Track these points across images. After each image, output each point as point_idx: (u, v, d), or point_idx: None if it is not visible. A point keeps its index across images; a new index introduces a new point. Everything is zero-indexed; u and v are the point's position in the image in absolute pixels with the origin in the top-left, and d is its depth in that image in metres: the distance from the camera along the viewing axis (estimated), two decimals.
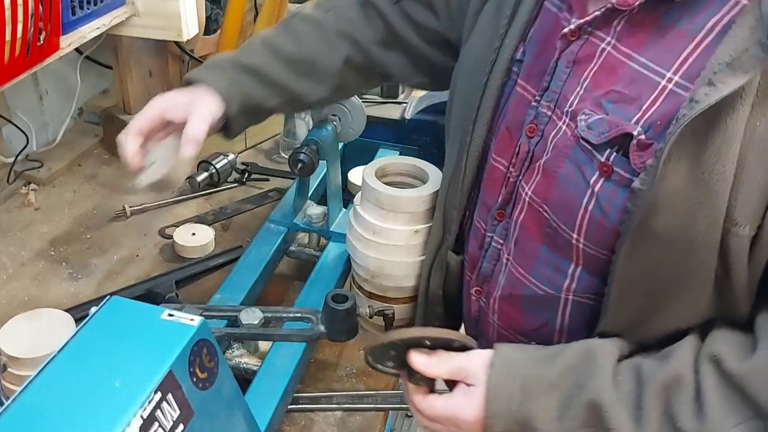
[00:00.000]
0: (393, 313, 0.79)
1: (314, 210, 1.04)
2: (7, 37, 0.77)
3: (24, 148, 1.21)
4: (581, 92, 0.60)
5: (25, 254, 1.05)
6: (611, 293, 0.58)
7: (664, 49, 0.55)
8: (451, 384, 0.64)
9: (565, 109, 0.61)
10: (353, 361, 0.91)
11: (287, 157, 0.99)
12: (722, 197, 0.51)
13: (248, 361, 0.83)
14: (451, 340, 0.63)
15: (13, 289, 0.99)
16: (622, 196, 0.56)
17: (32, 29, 0.82)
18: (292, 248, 1.06)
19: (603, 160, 0.57)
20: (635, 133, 0.54)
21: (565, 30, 0.61)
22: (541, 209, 0.64)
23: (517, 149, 0.67)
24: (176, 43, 1.15)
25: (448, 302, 0.82)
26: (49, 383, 0.48)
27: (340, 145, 1.17)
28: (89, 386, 0.47)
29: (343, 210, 1.06)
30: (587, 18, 0.59)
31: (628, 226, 0.55)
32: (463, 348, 0.63)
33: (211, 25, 1.26)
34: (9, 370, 0.74)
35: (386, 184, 0.85)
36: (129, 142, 0.76)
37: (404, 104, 1.41)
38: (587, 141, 0.58)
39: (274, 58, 0.84)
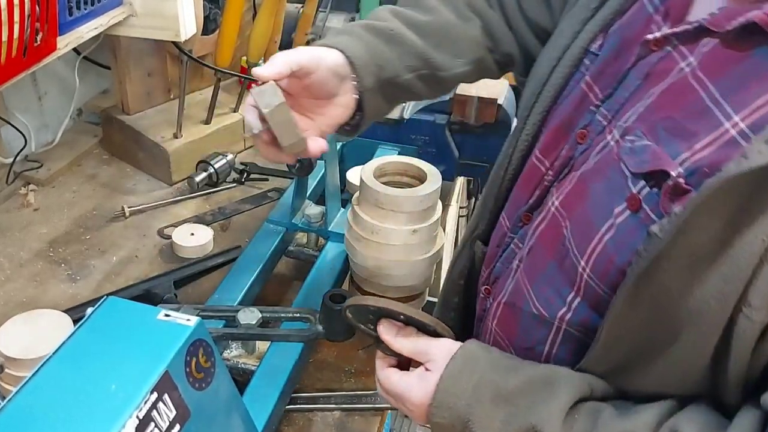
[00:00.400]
0: None
1: (312, 210, 1.04)
2: (4, 37, 0.77)
3: (23, 149, 1.21)
4: (641, 110, 0.55)
5: (23, 255, 1.05)
6: (602, 334, 0.55)
7: (742, 87, 0.49)
8: (415, 364, 0.64)
9: (620, 124, 0.57)
10: (352, 361, 0.91)
11: None
12: (744, 272, 0.46)
13: (246, 361, 0.83)
14: (426, 324, 0.63)
15: (12, 289, 0.99)
16: (640, 236, 0.51)
17: (29, 30, 0.82)
18: (290, 248, 1.06)
19: (635, 191, 0.53)
20: (674, 173, 0.49)
21: (650, 36, 0.55)
22: (562, 223, 0.60)
23: (560, 152, 0.63)
24: (174, 43, 1.15)
25: (467, 295, 0.79)
26: (44, 384, 0.48)
27: (339, 145, 1.17)
28: (85, 387, 0.47)
29: (342, 210, 1.06)
30: (676, 29, 0.54)
31: (634, 270, 0.51)
32: (436, 334, 0.64)
33: (209, 25, 1.26)
34: (7, 371, 0.74)
35: (384, 183, 0.85)
36: (283, 64, 0.68)
37: (403, 104, 1.41)
38: (626, 165, 0.54)
39: (408, 25, 0.76)
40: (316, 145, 0.68)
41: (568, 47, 0.65)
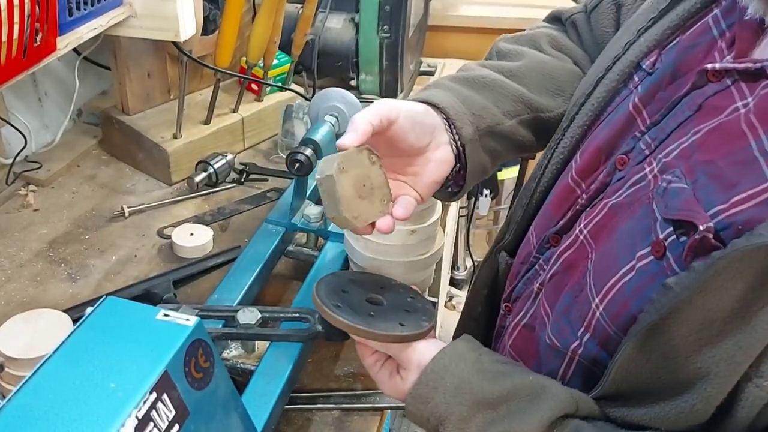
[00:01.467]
0: None
1: (312, 210, 1.04)
2: (4, 38, 0.77)
3: (23, 149, 1.22)
4: (685, 146, 0.51)
5: (23, 255, 1.06)
6: (610, 375, 0.52)
7: None
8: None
9: (660, 157, 0.53)
10: (351, 360, 0.91)
11: (285, 157, 0.99)
12: (761, 343, 0.44)
13: (245, 361, 0.83)
14: (407, 292, 0.62)
15: (12, 290, 0.99)
16: (659, 285, 0.48)
17: (29, 30, 0.82)
18: (290, 248, 1.06)
19: (661, 237, 0.49)
20: (702, 227, 0.46)
21: (709, 66, 0.51)
22: (588, 254, 0.57)
23: (598, 176, 0.59)
24: (174, 43, 1.15)
25: (490, 306, 0.76)
26: (43, 384, 0.48)
27: None
28: (84, 387, 0.47)
29: None
30: (738, 65, 0.49)
31: (645, 320, 0.48)
32: (415, 301, 0.63)
33: (209, 26, 1.26)
34: (7, 370, 0.74)
35: None
36: (365, 124, 0.59)
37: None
38: (657, 207, 0.50)
39: (499, 71, 0.71)
40: (365, 230, 0.62)
41: (618, 58, 0.60)
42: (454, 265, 2.37)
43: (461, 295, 2.31)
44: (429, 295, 1.00)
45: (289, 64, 1.42)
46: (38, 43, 0.85)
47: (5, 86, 0.84)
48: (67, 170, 1.28)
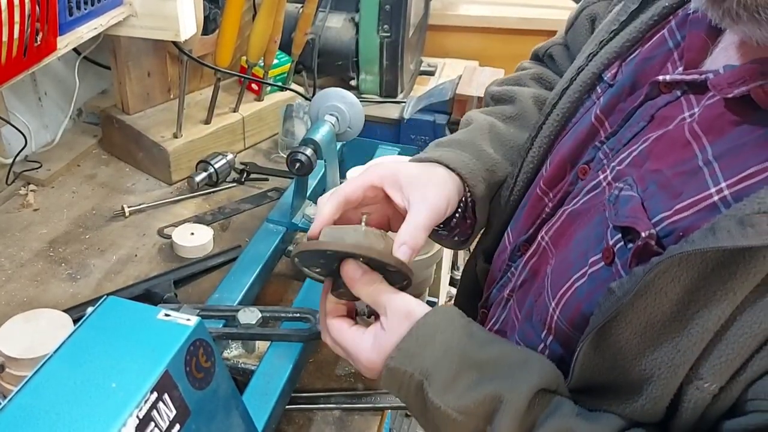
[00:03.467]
0: None
1: (313, 209, 1.04)
2: (4, 38, 0.77)
3: (23, 149, 1.21)
4: (635, 155, 0.53)
5: (24, 255, 1.06)
6: (573, 376, 0.53)
7: (735, 153, 0.46)
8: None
9: (614, 165, 0.54)
10: None
11: (286, 156, 0.99)
12: (698, 346, 0.45)
13: (246, 361, 0.83)
14: (386, 264, 0.58)
15: (12, 289, 0.99)
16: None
17: (29, 30, 0.82)
18: (290, 248, 1.06)
19: (611, 243, 0.51)
20: (644, 234, 0.47)
21: (660, 78, 0.52)
22: (549, 259, 0.58)
23: (563, 185, 0.61)
24: (174, 43, 1.15)
25: (473, 312, 0.76)
26: (44, 384, 0.48)
27: (339, 145, 1.17)
28: (85, 386, 0.47)
29: None
30: (686, 77, 0.50)
31: (594, 322, 0.50)
32: (400, 275, 0.59)
33: (209, 25, 1.26)
34: (7, 370, 0.74)
35: None
36: (330, 202, 0.60)
37: (403, 104, 1.41)
38: (608, 215, 0.52)
39: (501, 118, 0.75)
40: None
41: (581, 69, 0.62)
42: (454, 265, 2.37)
43: None
44: (429, 295, 1.00)
45: (289, 64, 1.41)
46: (38, 42, 0.85)
47: (5, 86, 0.84)
48: (67, 170, 1.28)
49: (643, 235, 0.47)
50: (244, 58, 1.31)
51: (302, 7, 1.35)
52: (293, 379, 0.80)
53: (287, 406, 0.81)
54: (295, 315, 0.77)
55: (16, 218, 1.14)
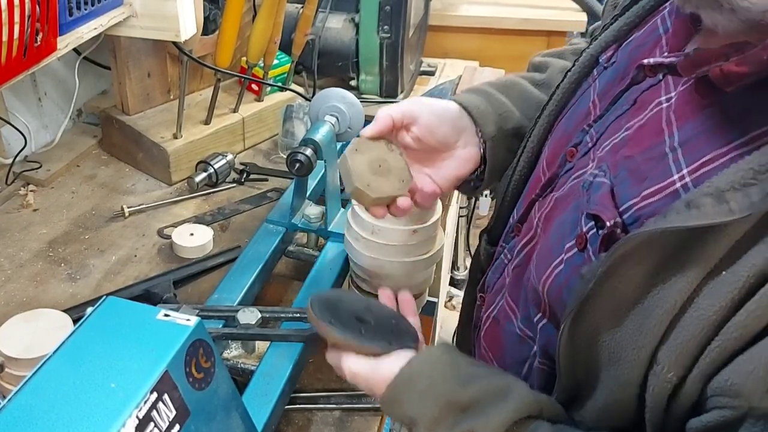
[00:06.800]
0: None
1: (312, 210, 1.04)
2: (4, 38, 0.77)
3: (23, 149, 1.21)
4: (616, 141, 0.53)
5: (23, 255, 1.06)
6: (559, 361, 0.54)
7: (697, 138, 0.46)
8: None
9: (597, 152, 0.55)
10: None
11: (286, 157, 0.99)
12: (657, 329, 0.46)
13: (246, 361, 0.83)
14: (391, 314, 0.66)
15: (12, 290, 0.99)
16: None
17: (29, 30, 0.82)
18: (290, 248, 1.06)
19: (584, 230, 0.52)
20: (609, 224, 0.49)
21: (644, 61, 0.53)
22: (540, 238, 0.60)
23: (556, 168, 0.62)
24: (174, 43, 1.15)
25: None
26: (44, 384, 0.48)
27: (339, 145, 1.17)
28: (85, 387, 0.47)
29: (342, 210, 1.06)
30: (664, 60, 0.51)
31: (569, 306, 0.51)
32: (399, 323, 0.66)
33: (209, 26, 1.26)
34: (7, 370, 0.74)
35: None
36: (381, 117, 0.66)
37: None
38: (581, 202, 0.53)
39: (529, 81, 0.76)
40: (378, 210, 0.66)
41: (583, 51, 0.63)
42: (454, 265, 2.37)
43: (461, 295, 2.30)
44: (429, 295, 1.00)
45: (289, 64, 1.41)
46: (38, 43, 0.85)
47: (5, 86, 0.84)
48: (67, 170, 1.27)
49: (608, 224, 0.48)
50: (244, 58, 1.31)
51: (302, 7, 1.35)
52: (293, 379, 0.80)
53: (287, 407, 0.81)
54: (294, 315, 0.77)
55: (15, 218, 1.14)
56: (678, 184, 0.46)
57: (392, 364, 0.60)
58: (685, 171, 0.46)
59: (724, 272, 0.43)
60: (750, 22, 0.41)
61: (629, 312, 0.47)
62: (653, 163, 0.49)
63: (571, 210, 0.55)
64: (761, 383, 0.41)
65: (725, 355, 0.43)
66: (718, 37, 0.46)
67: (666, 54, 0.53)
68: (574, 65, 0.64)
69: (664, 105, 0.51)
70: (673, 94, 0.51)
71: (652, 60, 0.52)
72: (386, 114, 0.66)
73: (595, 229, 0.51)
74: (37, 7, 0.81)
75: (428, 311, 1.56)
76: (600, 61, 0.62)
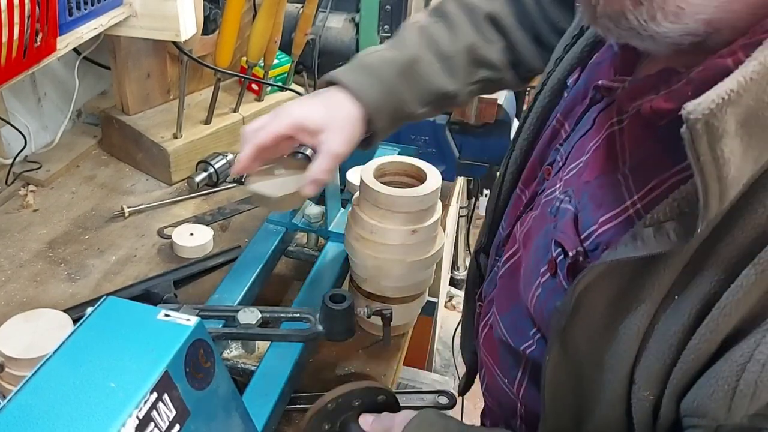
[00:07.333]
0: (391, 313, 0.79)
1: (312, 210, 1.04)
2: (4, 38, 0.77)
3: (22, 150, 1.21)
4: (580, 165, 0.54)
5: (23, 255, 1.05)
6: (545, 390, 0.55)
7: (644, 164, 0.48)
8: None
9: (564, 174, 0.56)
10: (351, 361, 0.91)
11: (286, 156, 0.98)
12: (629, 353, 0.47)
13: (246, 362, 0.83)
14: (376, 394, 0.71)
15: (12, 290, 0.99)
16: (558, 299, 0.52)
17: (29, 31, 0.82)
18: (290, 248, 1.06)
19: (554, 255, 0.53)
20: (571, 253, 0.50)
21: (599, 83, 0.53)
22: (522, 256, 0.61)
23: (534, 185, 0.63)
24: (174, 43, 1.15)
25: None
26: (44, 384, 0.47)
27: None
28: (85, 387, 0.47)
29: (342, 210, 1.06)
30: (613, 84, 0.51)
31: (553, 335, 0.52)
32: (387, 401, 0.70)
33: (209, 25, 1.26)
34: (7, 370, 0.74)
35: (384, 183, 0.85)
36: (247, 151, 0.68)
37: None
38: (550, 228, 0.54)
39: (435, 55, 0.73)
40: (293, 202, 0.73)
41: (550, 74, 0.63)
42: (454, 265, 2.37)
43: (461, 295, 2.30)
44: (429, 295, 1.00)
45: (289, 64, 1.41)
46: (38, 43, 0.85)
47: (5, 86, 0.84)
48: (67, 170, 1.27)
49: (570, 254, 0.50)
50: (244, 58, 1.31)
51: (302, 7, 1.35)
52: (293, 379, 0.80)
53: (287, 407, 0.81)
54: (295, 315, 0.76)
55: (15, 219, 1.14)
56: (631, 210, 0.48)
57: None
58: (636, 197, 0.47)
59: (676, 296, 0.44)
60: (674, 46, 0.42)
61: (602, 337, 0.49)
62: (608, 190, 0.50)
63: (543, 234, 0.56)
64: (722, 404, 0.42)
65: (688, 377, 0.45)
66: (659, 60, 0.47)
67: (614, 77, 0.53)
68: (543, 88, 0.64)
69: (616, 128, 0.51)
70: (624, 116, 0.51)
71: (604, 82, 0.53)
72: (245, 156, 0.69)
73: (562, 256, 0.52)
74: (37, 7, 0.81)
75: (428, 311, 1.57)
76: (568, 84, 0.62)
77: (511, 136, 0.79)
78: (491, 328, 0.67)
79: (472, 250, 0.80)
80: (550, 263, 0.53)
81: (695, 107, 0.36)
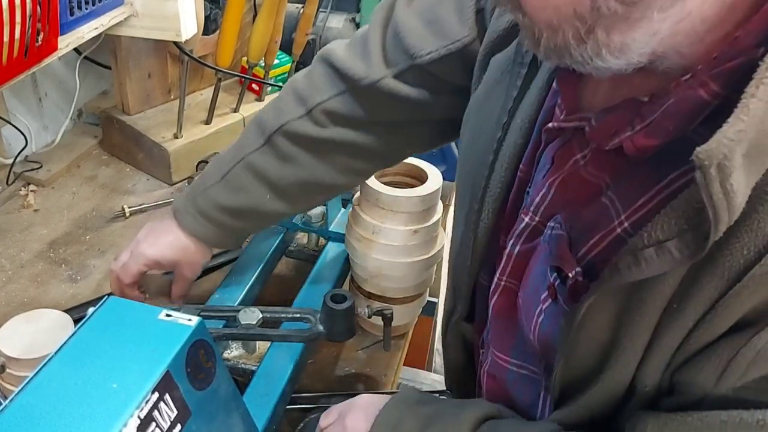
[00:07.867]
0: (391, 313, 0.79)
1: (313, 210, 1.04)
2: (5, 38, 0.77)
3: (23, 150, 1.21)
4: (555, 197, 0.55)
5: (24, 256, 1.06)
6: (556, 391, 0.57)
7: (627, 185, 0.49)
8: None
9: (536, 209, 0.57)
10: (352, 361, 0.91)
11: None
12: (631, 365, 0.50)
13: (247, 362, 0.83)
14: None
15: (13, 290, 0.99)
16: (559, 324, 0.54)
17: (30, 30, 0.82)
18: (291, 248, 1.06)
19: (551, 281, 0.54)
20: (570, 275, 0.51)
21: (550, 125, 0.54)
22: (512, 295, 0.62)
23: (514, 229, 0.62)
24: (175, 43, 1.15)
25: (470, 364, 0.79)
26: (46, 384, 0.48)
27: None
28: (86, 387, 0.47)
29: (342, 210, 1.06)
30: (564, 124, 0.53)
31: (559, 358, 0.54)
32: None
33: (210, 25, 1.26)
34: (8, 370, 0.74)
35: (385, 184, 0.85)
36: (119, 294, 0.83)
37: None
38: (545, 254, 0.56)
39: (269, 191, 0.79)
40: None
41: (502, 140, 0.61)
42: None
43: None
44: (429, 295, 1.00)
45: (289, 64, 1.41)
46: (39, 43, 0.85)
47: (6, 86, 0.84)
48: (68, 170, 1.27)
49: (570, 275, 0.51)
50: (244, 58, 1.31)
51: (303, 7, 1.35)
52: (294, 379, 0.80)
53: (287, 407, 0.81)
54: (295, 315, 0.76)
55: (16, 219, 1.14)
56: (619, 230, 0.49)
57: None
58: (623, 216, 0.49)
59: (675, 305, 0.46)
60: (620, 72, 0.42)
61: (606, 351, 0.51)
62: (595, 213, 0.51)
63: (540, 261, 0.57)
64: (711, 378, 0.46)
65: (684, 360, 0.48)
66: (604, 83, 0.48)
67: (564, 117, 0.53)
68: (497, 157, 0.62)
69: (581, 163, 0.52)
70: (586, 151, 0.52)
71: (553, 124, 0.54)
72: (121, 289, 0.84)
73: (560, 280, 0.54)
74: (38, 7, 0.81)
75: (428, 311, 1.57)
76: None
77: None
78: (491, 378, 0.69)
79: (444, 319, 0.79)
80: (550, 289, 0.55)
81: (708, 153, 0.37)
